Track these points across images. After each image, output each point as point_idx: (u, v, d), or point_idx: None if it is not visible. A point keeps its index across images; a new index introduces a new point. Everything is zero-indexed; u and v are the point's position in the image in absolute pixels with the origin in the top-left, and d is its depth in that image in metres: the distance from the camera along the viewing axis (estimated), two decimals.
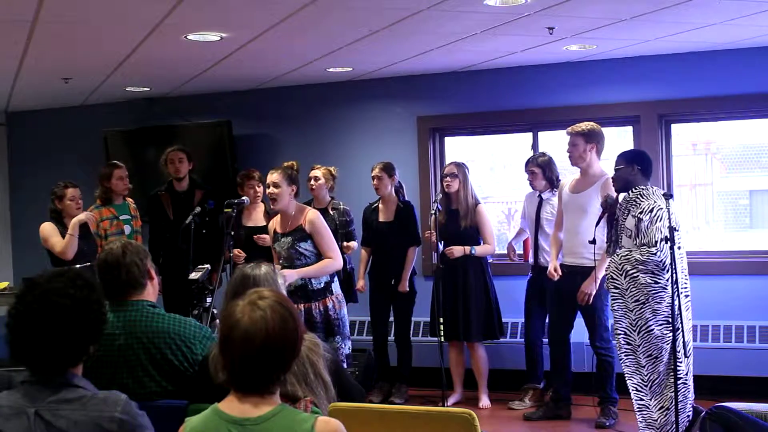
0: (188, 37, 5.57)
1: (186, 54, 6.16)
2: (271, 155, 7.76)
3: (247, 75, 7.31)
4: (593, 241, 5.51)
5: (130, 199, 7.04)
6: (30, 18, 4.94)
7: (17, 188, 9.12)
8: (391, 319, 6.89)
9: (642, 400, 5.16)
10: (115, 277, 3.40)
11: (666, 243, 4.97)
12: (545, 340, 6.50)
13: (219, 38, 5.65)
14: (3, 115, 9.11)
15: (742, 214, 7.70)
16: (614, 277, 5.18)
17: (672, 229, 4.95)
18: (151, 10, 4.91)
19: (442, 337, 6.37)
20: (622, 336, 5.17)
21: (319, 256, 5.39)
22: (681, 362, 5.03)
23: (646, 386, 5.13)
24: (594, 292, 5.78)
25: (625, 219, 5.21)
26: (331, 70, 7.13)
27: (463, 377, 6.73)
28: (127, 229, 6.78)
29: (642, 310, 5.07)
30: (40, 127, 8.95)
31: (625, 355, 5.18)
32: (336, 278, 5.54)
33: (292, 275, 5.19)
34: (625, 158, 5.36)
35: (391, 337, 6.91)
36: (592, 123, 5.97)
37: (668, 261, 4.99)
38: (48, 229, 6.34)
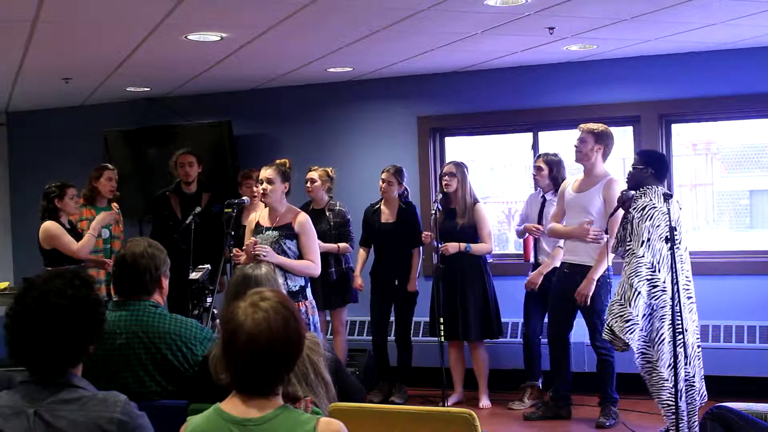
0: (188, 37, 5.57)
1: (186, 54, 6.16)
2: (271, 155, 7.71)
3: (247, 75, 7.31)
4: (606, 231, 5.61)
5: (115, 204, 7.02)
6: (30, 18, 4.93)
7: (17, 188, 9.11)
8: (392, 319, 6.89)
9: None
10: (125, 277, 3.42)
11: (660, 243, 4.99)
12: (543, 340, 6.50)
13: (219, 38, 5.65)
14: (3, 115, 9.11)
15: (743, 214, 7.71)
16: None
17: (672, 229, 4.96)
18: (151, 10, 4.91)
19: (442, 337, 6.36)
20: (639, 358, 5.13)
21: (300, 259, 5.39)
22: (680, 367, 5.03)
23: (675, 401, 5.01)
24: (591, 293, 5.78)
25: (629, 216, 5.24)
26: (331, 70, 7.12)
27: (464, 377, 6.72)
28: (104, 233, 6.77)
29: (651, 320, 5.07)
30: (40, 127, 8.95)
31: (648, 374, 5.12)
32: (309, 285, 5.49)
33: (272, 257, 5.21)
34: (643, 158, 5.38)
35: (391, 337, 6.91)
36: (605, 125, 5.98)
37: (656, 261, 5.02)
38: (55, 228, 6.28)
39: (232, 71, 6.95)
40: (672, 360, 4.94)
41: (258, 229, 5.49)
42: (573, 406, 6.22)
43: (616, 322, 5.04)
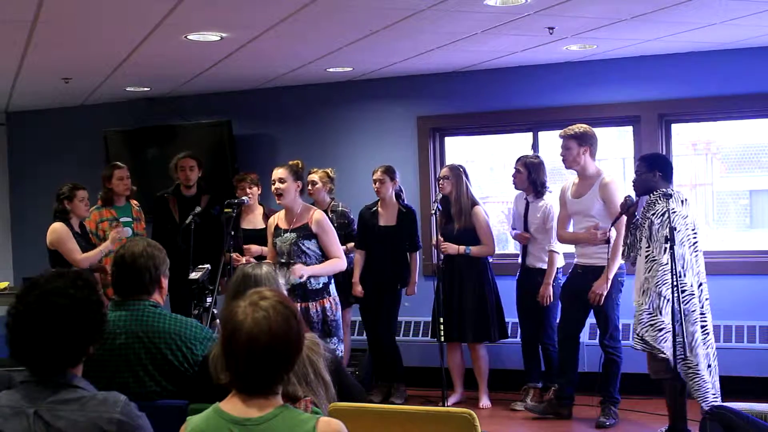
0: (188, 37, 5.57)
1: (186, 54, 6.16)
2: (271, 155, 7.76)
3: (247, 75, 7.31)
4: (608, 241, 5.63)
5: (135, 202, 7.04)
6: (30, 18, 4.93)
7: (17, 188, 9.12)
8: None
9: None
10: (124, 277, 3.42)
11: (666, 244, 4.99)
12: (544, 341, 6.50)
13: (219, 38, 5.65)
14: (3, 115, 9.11)
15: (742, 214, 7.70)
16: None
17: (672, 230, 4.97)
18: (151, 10, 4.91)
19: (442, 338, 6.36)
20: (680, 364, 5.12)
21: (322, 257, 5.40)
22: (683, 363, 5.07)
23: None
24: (605, 293, 5.78)
25: (645, 222, 5.25)
26: (331, 70, 7.13)
27: (464, 377, 6.72)
28: (128, 231, 6.77)
29: (685, 324, 5.09)
30: (40, 127, 8.95)
31: (690, 380, 5.13)
32: (333, 280, 5.51)
33: (305, 271, 5.21)
34: (646, 164, 5.40)
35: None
36: (584, 125, 5.97)
37: (681, 266, 5.05)
38: (62, 232, 6.25)
39: (232, 71, 6.96)
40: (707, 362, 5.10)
41: (277, 231, 5.50)
42: (574, 406, 6.21)
43: (647, 331, 5.07)
